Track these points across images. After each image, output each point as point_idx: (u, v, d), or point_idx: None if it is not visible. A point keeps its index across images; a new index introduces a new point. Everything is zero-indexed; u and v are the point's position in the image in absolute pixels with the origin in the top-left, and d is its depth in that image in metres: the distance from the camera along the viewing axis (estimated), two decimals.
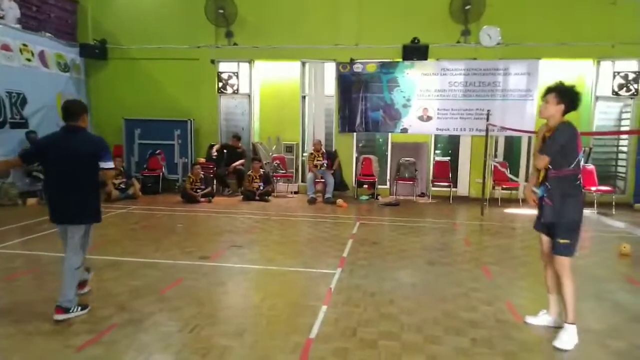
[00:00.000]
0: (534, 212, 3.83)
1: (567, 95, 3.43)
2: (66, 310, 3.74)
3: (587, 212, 8.79)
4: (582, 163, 3.48)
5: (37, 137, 9.39)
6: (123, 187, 9.84)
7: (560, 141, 3.35)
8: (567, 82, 3.54)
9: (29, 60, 9.87)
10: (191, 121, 11.32)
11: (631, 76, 10.17)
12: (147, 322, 3.71)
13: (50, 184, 3.97)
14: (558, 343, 3.41)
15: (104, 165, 3.89)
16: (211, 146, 11.27)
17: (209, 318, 3.82)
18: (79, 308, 3.84)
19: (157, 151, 11.19)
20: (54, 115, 10.53)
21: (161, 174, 11.05)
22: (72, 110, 3.88)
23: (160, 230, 7.19)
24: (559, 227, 3.47)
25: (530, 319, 3.82)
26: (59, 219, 3.92)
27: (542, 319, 3.79)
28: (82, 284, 4.20)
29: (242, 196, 10.29)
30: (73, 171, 3.82)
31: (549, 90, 3.51)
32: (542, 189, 3.55)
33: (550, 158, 3.39)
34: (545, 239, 3.72)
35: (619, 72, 10.22)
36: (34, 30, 10.33)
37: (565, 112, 3.45)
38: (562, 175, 3.41)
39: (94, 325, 3.62)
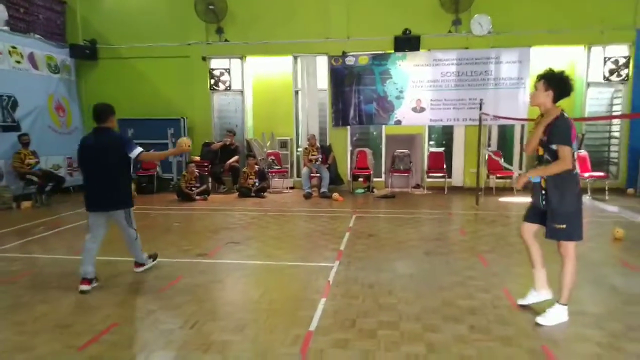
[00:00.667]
0: (528, 199, 3.86)
1: (554, 81, 3.45)
2: (141, 265, 4.89)
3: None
4: (575, 152, 3.51)
5: (29, 140, 9.34)
6: None
7: (565, 130, 3.37)
8: (557, 69, 3.55)
9: (18, 62, 9.79)
10: (184, 119, 11.28)
11: (621, 61, 10.23)
12: (147, 320, 3.72)
13: (87, 179, 4.52)
14: (541, 319, 3.52)
15: (132, 154, 4.45)
16: (205, 144, 11.25)
17: (209, 314, 3.84)
18: (151, 260, 5.01)
19: (151, 150, 11.13)
20: (46, 117, 10.49)
21: (155, 173, 11.03)
22: (100, 113, 4.50)
23: (157, 229, 7.19)
24: (556, 214, 3.49)
25: (521, 301, 3.93)
26: (100, 207, 4.49)
27: (531, 297, 3.89)
28: (138, 264, 4.97)
29: (237, 193, 10.29)
30: (105, 166, 4.40)
31: (539, 78, 3.55)
32: (538, 178, 3.58)
33: (569, 146, 3.37)
34: (532, 226, 3.77)
35: (609, 58, 10.28)
36: (23, 32, 10.25)
37: (557, 98, 3.46)
38: None
39: (94, 325, 3.62)
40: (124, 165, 4.50)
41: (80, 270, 4.39)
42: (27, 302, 4.14)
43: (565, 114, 3.46)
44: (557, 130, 3.39)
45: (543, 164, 3.54)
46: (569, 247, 3.54)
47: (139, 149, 4.49)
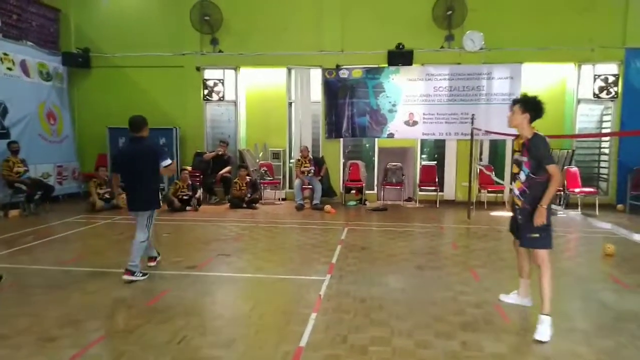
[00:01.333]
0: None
1: (530, 105, 3.78)
2: (132, 273, 4.89)
3: (571, 212, 8.91)
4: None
5: (18, 147, 9.22)
6: (108, 197, 9.69)
7: (546, 149, 3.68)
8: (531, 93, 3.91)
9: (9, 69, 9.71)
10: (177, 129, 11.24)
11: (611, 79, 10.38)
12: (134, 334, 3.65)
13: (125, 182, 5.07)
14: (537, 335, 3.60)
15: (163, 163, 5.04)
16: (197, 154, 11.20)
17: (198, 328, 3.77)
18: (141, 274, 4.98)
19: None
20: (36, 124, 10.39)
21: None
22: (135, 123, 5.07)
23: None
24: (532, 224, 3.71)
25: (503, 297, 4.34)
26: (131, 208, 5.05)
27: (513, 297, 4.28)
28: (151, 258, 5.46)
29: (229, 204, 10.22)
30: (139, 172, 4.95)
31: (514, 102, 3.89)
32: (518, 192, 3.90)
33: (554, 164, 3.68)
34: (517, 240, 4.12)
35: (599, 75, 10.44)
36: (15, 39, 10.19)
37: (532, 120, 3.79)
38: (539, 180, 3.71)
39: (80, 339, 3.55)
40: (153, 172, 5.05)
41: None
42: (11, 314, 4.05)
43: (539, 133, 3.77)
44: (537, 150, 3.68)
45: (517, 181, 3.89)
46: (543, 255, 3.74)
47: (169, 160, 5.09)
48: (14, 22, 10.36)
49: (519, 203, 3.86)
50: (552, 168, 3.62)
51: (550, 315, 3.65)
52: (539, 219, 3.66)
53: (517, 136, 4.01)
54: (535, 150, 3.68)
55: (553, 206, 8.44)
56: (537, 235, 3.70)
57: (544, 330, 3.59)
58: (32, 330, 3.69)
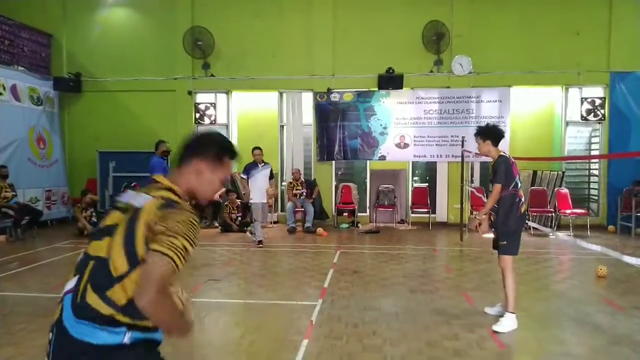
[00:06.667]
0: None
1: (487, 133, 4.40)
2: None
3: (562, 234, 8.93)
4: (520, 185, 4.36)
5: (7, 172, 9.12)
6: (96, 221, 9.56)
7: (502, 170, 4.25)
8: (485, 123, 4.82)
9: (0, 94, 9.68)
10: (169, 152, 11.18)
11: (598, 102, 10.55)
12: None
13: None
14: (496, 326, 4.10)
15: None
16: None
17: (186, 357, 3.68)
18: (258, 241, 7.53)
19: (133, 184, 10.97)
20: (26, 149, 10.32)
21: None
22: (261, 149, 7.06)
23: None
24: (501, 233, 4.30)
25: (488, 309, 4.61)
26: None
27: (497, 309, 4.52)
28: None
29: (219, 228, 10.14)
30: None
31: (475, 134, 4.51)
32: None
33: (500, 183, 4.24)
34: None
35: (586, 98, 10.60)
36: (7, 64, 10.19)
37: (496, 143, 4.39)
38: (505, 195, 4.25)
39: None
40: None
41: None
42: None
43: (505, 154, 4.39)
44: (497, 169, 4.28)
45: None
46: (508, 260, 4.27)
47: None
48: (6, 47, 10.38)
49: (492, 217, 4.40)
50: (495, 186, 4.24)
51: (514, 313, 4.17)
52: (472, 225, 4.57)
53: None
54: (496, 169, 4.28)
55: (541, 227, 8.55)
56: (504, 242, 4.25)
57: (505, 323, 4.10)
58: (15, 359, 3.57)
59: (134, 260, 1.52)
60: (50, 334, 1.58)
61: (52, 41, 11.63)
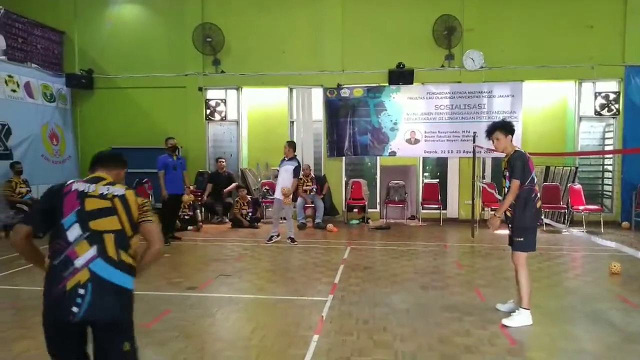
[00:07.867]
0: None
1: (507, 128, 4.41)
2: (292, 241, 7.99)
3: (575, 231, 8.83)
4: (535, 180, 4.32)
5: (21, 168, 9.24)
6: None
7: (519, 166, 4.18)
8: (496, 120, 4.81)
9: (14, 91, 9.80)
10: (179, 149, 11.24)
11: (612, 96, 10.38)
12: None
13: None
14: (507, 320, 4.14)
15: None
16: (200, 173, 11.19)
17: (198, 352, 3.70)
18: (290, 240, 8.06)
19: (144, 180, 11.06)
20: (39, 145, 10.44)
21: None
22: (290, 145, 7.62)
23: None
24: (517, 229, 4.25)
25: (500, 306, 4.57)
26: None
27: (508, 306, 4.50)
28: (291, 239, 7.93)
29: (230, 223, 10.17)
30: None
31: (491, 130, 4.44)
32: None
33: (518, 179, 4.17)
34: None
35: (600, 93, 10.44)
36: (20, 62, 10.31)
37: (511, 138, 4.41)
38: (521, 190, 4.19)
39: None
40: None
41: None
42: (7, 337, 3.98)
43: (520, 149, 4.37)
44: (514, 164, 4.20)
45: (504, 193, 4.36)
46: (521, 257, 4.25)
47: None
48: (20, 45, 10.49)
49: (509, 213, 4.30)
50: (514, 182, 4.16)
51: (529, 309, 4.17)
52: (493, 226, 4.32)
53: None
54: (513, 164, 4.20)
55: (554, 224, 8.45)
56: (521, 239, 4.21)
57: (519, 319, 4.11)
58: (28, 354, 3.62)
59: (134, 228, 2.37)
60: (82, 289, 2.20)
61: (64, 38, 11.73)
